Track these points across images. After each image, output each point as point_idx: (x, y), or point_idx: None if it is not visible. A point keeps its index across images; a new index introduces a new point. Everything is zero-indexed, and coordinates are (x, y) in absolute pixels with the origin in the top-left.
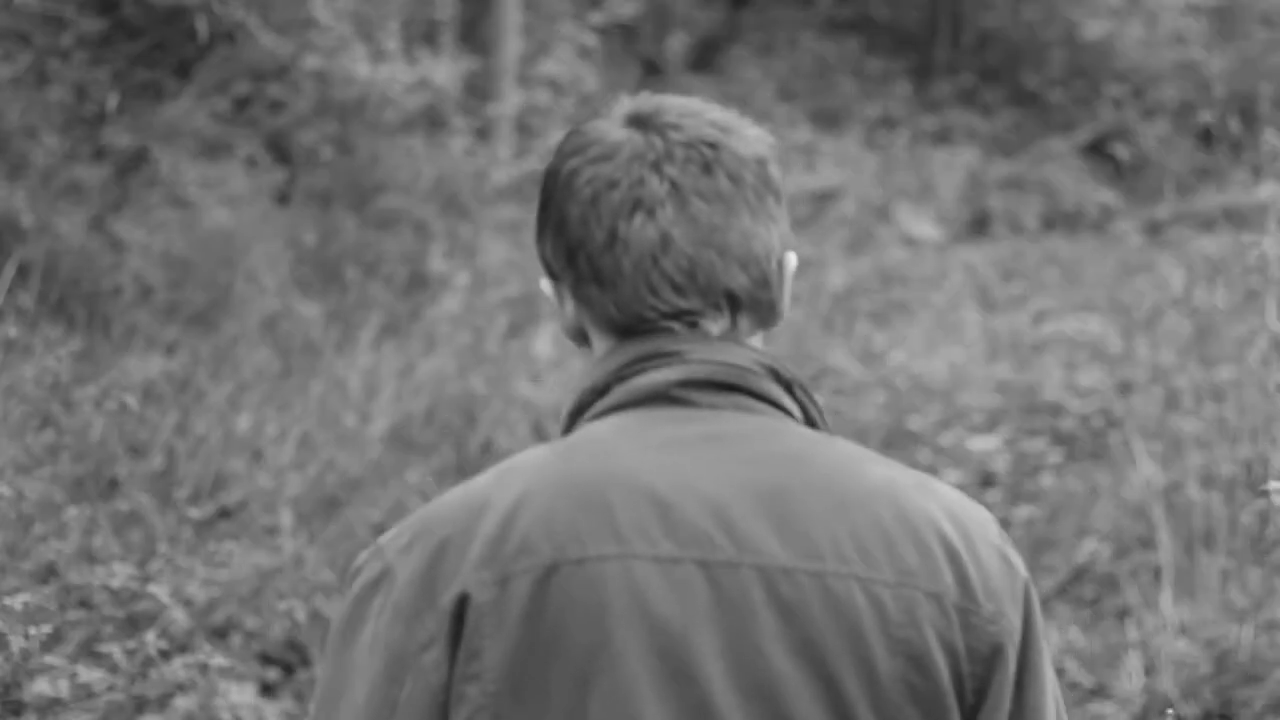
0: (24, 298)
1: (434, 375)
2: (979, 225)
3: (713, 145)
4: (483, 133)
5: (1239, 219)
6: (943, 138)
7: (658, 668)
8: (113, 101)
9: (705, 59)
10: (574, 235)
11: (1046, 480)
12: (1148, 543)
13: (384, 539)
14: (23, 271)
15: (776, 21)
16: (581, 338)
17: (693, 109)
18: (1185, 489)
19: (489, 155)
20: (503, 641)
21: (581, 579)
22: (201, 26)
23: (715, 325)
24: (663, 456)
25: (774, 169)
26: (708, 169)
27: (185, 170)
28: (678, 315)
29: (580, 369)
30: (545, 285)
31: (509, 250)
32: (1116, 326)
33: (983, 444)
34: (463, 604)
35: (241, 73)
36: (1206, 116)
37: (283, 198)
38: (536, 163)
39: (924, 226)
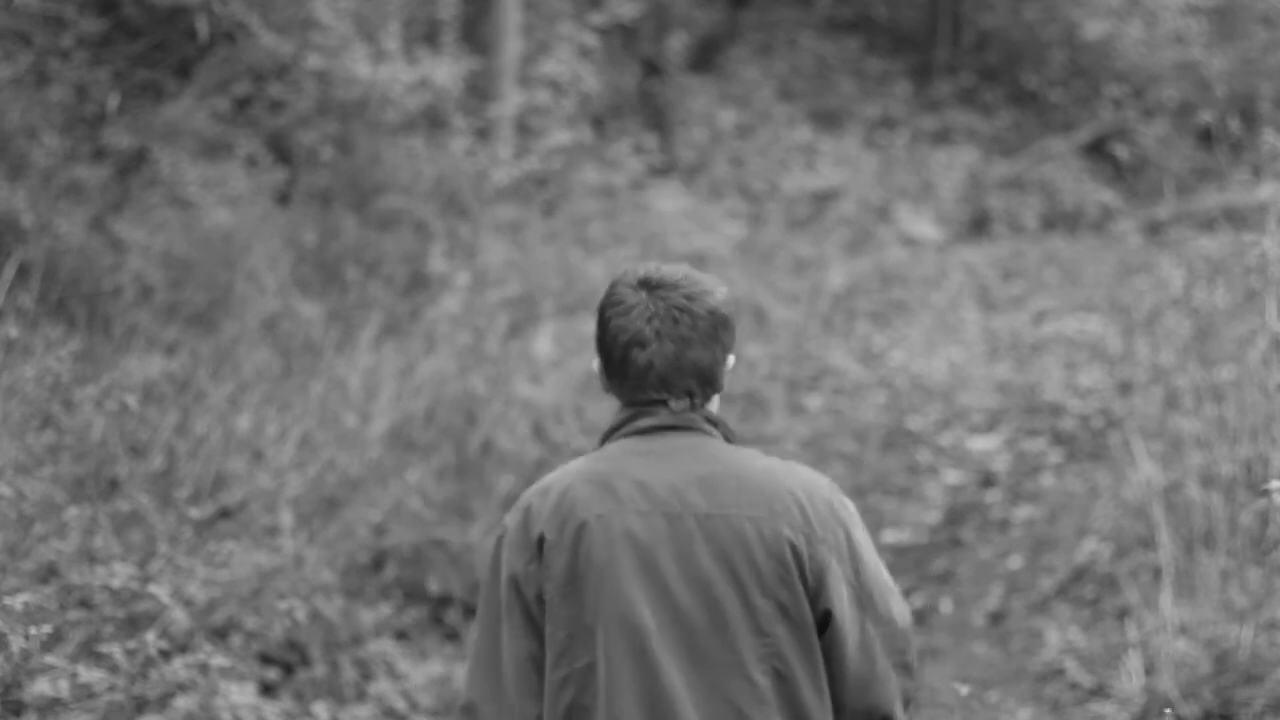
0: (24, 298)
1: (434, 375)
2: (979, 225)
3: (681, 309)
4: (483, 133)
5: (1239, 219)
6: (943, 138)
7: (639, 569)
8: (113, 102)
9: (705, 59)
10: (606, 354)
11: (1046, 480)
12: (1148, 543)
13: (507, 516)
14: (23, 271)
15: (776, 21)
16: (611, 392)
17: (677, 281)
18: (1185, 489)
19: (489, 155)
20: (560, 559)
21: (600, 525)
22: (202, 26)
23: (678, 404)
24: (643, 460)
25: (725, 310)
26: (676, 322)
27: (185, 170)
28: (658, 400)
29: (610, 409)
30: (594, 365)
31: (509, 250)
32: (1116, 326)
33: (983, 444)
34: (541, 540)
35: (242, 73)
36: (1206, 116)
37: (283, 198)
38: (536, 163)
39: (924, 226)
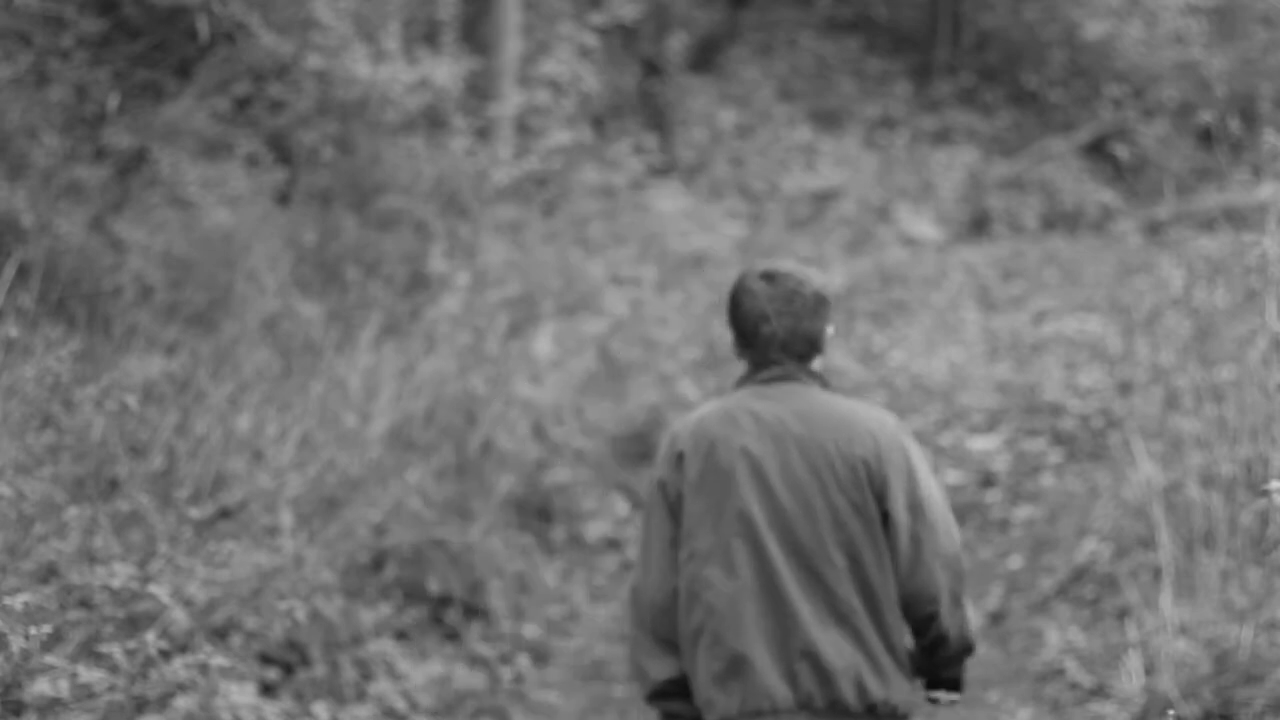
0: (24, 298)
1: (434, 375)
2: (979, 225)
3: (794, 292)
4: (483, 133)
5: (1239, 219)
6: (943, 138)
7: (751, 476)
8: (113, 102)
9: (705, 59)
10: (739, 329)
11: (1046, 480)
12: (1148, 543)
13: (664, 442)
14: (23, 271)
15: (776, 21)
16: (741, 357)
17: (789, 273)
18: (1185, 489)
19: (489, 155)
20: (695, 466)
21: (724, 443)
22: (202, 26)
23: (792, 362)
24: (759, 400)
25: (825, 294)
26: (790, 301)
27: (185, 170)
28: (776, 360)
29: (738, 370)
30: (730, 337)
31: (509, 250)
32: (1116, 326)
33: (983, 444)
34: (681, 454)
35: (242, 73)
36: (1206, 116)
37: (283, 198)
38: (536, 163)
39: (924, 226)
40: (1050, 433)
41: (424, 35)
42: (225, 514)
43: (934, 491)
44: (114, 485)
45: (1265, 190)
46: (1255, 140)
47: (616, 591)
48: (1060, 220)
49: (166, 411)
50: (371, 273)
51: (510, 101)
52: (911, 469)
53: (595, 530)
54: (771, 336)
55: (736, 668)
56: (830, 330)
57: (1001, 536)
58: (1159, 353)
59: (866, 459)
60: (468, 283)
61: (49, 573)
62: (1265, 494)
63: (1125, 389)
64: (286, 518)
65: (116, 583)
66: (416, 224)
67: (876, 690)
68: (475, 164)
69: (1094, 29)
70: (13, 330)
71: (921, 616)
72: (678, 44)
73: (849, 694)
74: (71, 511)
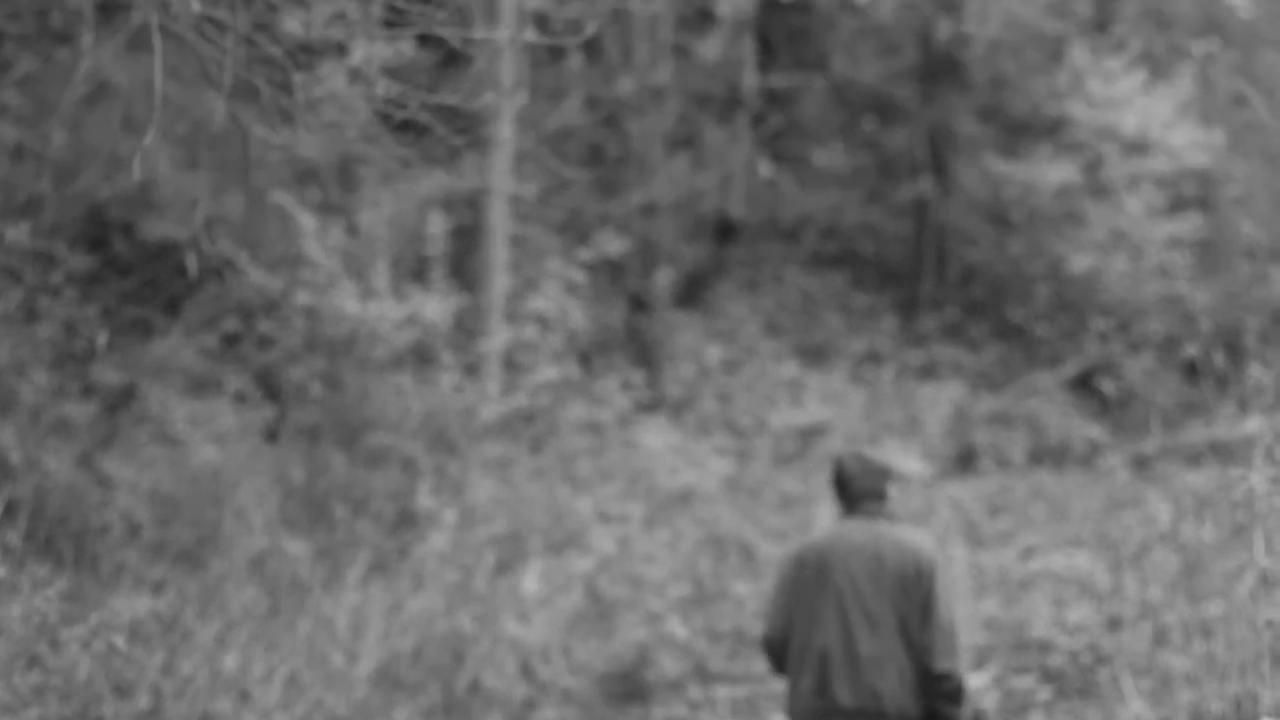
0: (12, 535)
1: (422, 613)
2: (966, 460)
3: (869, 469)
4: (471, 369)
5: (1225, 453)
6: (929, 372)
7: (844, 576)
8: (102, 338)
9: (692, 294)
10: (839, 488)
11: (1036, 718)
12: None
13: (788, 551)
14: (11, 509)
15: (763, 257)
16: (840, 500)
17: (869, 456)
18: None
19: (478, 392)
20: (810, 566)
21: (829, 555)
22: (191, 263)
23: (869, 505)
24: (850, 529)
25: (889, 468)
26: (867, 473)
27: (174, 407)
28: (860, 505)
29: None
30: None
31: (497, 487)
32: (1104, 562)
33: (971, 682)
34: (803, 560)
35: (230, 309)
36: (1192, 350)
37: (271, 434)
38: (524, 399)
39: (911, 462)
40: (1039, 670)
41: (413, 272)
42: None
43: (948, 590)
44: None
45: (1251, 424)
46: (1241, 374)
47: None
48: (1047, 455)
49: (153, 651)
50: (359, 510)
51: (498, 337)
52: (935, 576)
53: None
54: (856, 493)
55: (824, 686)
56: (893, 489)
57: None
58: (1147, 588)
59: (911, 566)
60: (455, 520)
61: None
62: None
63: (1114, 625)
64: None
65: None
66: (404, 461)
67: (906, 704)
68: (463, 400)
69: (1079, 263)
70: (0, 569)
71: (925, 661)
72: (664, 280)
73: (890, 706)
74: None
